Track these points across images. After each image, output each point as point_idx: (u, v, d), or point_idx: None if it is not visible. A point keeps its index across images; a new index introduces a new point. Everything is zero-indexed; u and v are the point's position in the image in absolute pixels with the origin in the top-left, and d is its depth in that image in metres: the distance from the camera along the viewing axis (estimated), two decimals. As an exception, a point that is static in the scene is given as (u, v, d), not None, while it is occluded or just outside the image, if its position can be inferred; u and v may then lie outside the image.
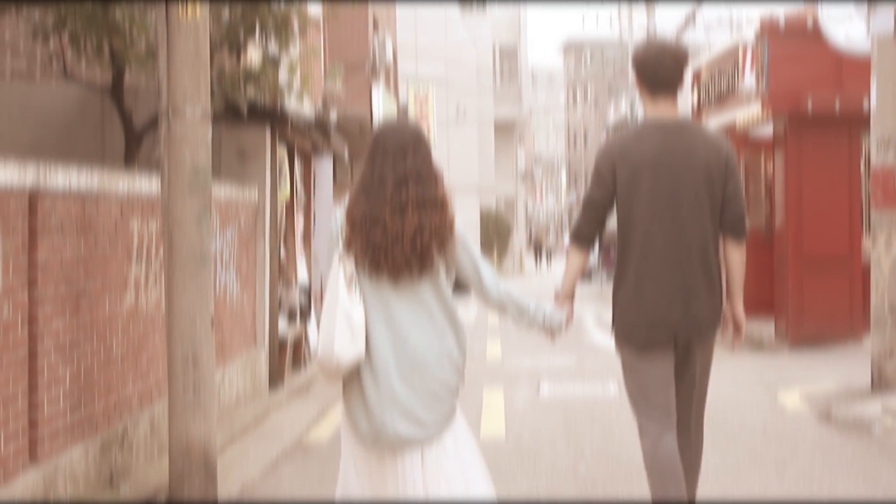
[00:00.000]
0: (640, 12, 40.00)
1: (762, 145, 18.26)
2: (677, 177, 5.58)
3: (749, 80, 16.77)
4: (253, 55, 11.68)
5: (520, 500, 7.47)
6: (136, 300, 8.06)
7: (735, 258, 5.76)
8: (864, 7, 11.88)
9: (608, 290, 5.95)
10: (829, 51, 13.79)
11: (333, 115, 14.96)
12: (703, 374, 5.79)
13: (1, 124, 11.19)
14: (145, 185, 8.22)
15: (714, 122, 18.01)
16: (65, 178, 6.79)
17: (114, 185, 7.64)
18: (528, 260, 64.73)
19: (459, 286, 5.02)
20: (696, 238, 5.59)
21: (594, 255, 37.97)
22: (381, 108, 26.39)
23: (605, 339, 17.22)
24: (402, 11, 37.92)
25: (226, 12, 10.77)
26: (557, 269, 56.08)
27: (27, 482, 6.21)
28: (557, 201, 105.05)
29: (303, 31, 12.08)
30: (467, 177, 47.79)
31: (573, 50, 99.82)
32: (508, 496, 7.43)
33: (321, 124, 14.48)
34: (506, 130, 55.26)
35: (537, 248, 70.42)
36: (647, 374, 5.64)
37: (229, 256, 10.77)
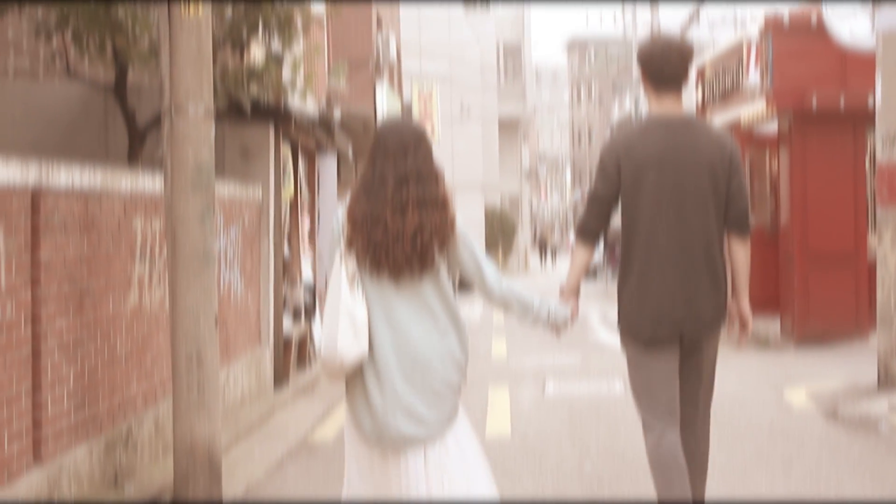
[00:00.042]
0: (644, 10, 39.94)
1: (767, 142, 18.21)
2: (681, 173, 5.58)
3: (753, 77, 16.73)
4: (256, 53, 11.65)
5: (525, 500, 7.44)
6: (139, 299, 8.04)
7: (740, 255, 5.77)
8: (869, 3, 11.85)
9: (613, 288, 5.95)
10: (833, 47, 13.78)
11: (337, 114, 14.93)
12: (708, 371, 5.79)
13: (4, 123, 11.17)
14: (148, 183, 8.20)
15: (718, 119, 17.96)
16: (67, 176, 6.76)
17: (117, 184, 7.62)
18: (533, 258, 64.71)
19: (464, 284, 5.00)
20: (701, 234, 5.59)
21: (599, 253, 37.96)
22: (385, 106, 26.36)
23: (610, 338, 17.19)
24: (405, 9, 37.88)
25: (229, 10, 10.75)
26: (562, 267, 56.02)
27: (31, 482, 6.19)
28: (562, 199, 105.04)
29: (306, 28, 12.05)
30: (472, 175, 47.79)
31: (577, 48, 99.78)
32: (514, 495, 7.41)
33: (325, 122, 14.46)
34: (510, 128, 55.22)
35: (542, 246, 70.40)
36: (651, 371, 5.64)
37: (233, 255, 10.74)
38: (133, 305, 7.91)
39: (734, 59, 17.93)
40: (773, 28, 16.23)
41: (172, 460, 7.12)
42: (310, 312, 13.98)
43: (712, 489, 6.12)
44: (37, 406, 6.34)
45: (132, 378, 7.86)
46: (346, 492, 4.90)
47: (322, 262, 15.14)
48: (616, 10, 44.27)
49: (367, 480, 4.81)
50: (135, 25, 9.92)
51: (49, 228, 6.51)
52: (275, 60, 11.51)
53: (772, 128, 17.33)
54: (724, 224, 5.70)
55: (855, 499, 7.28)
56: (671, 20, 35.90)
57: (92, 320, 7.14)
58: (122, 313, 7.70)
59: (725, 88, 18.53)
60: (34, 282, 6.33)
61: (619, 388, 11.86)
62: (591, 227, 5.73)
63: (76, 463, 6.81)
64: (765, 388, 11.93)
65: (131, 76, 10.87)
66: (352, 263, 4.77)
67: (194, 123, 7.02)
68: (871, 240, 16.26)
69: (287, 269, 13.50)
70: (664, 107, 5.74)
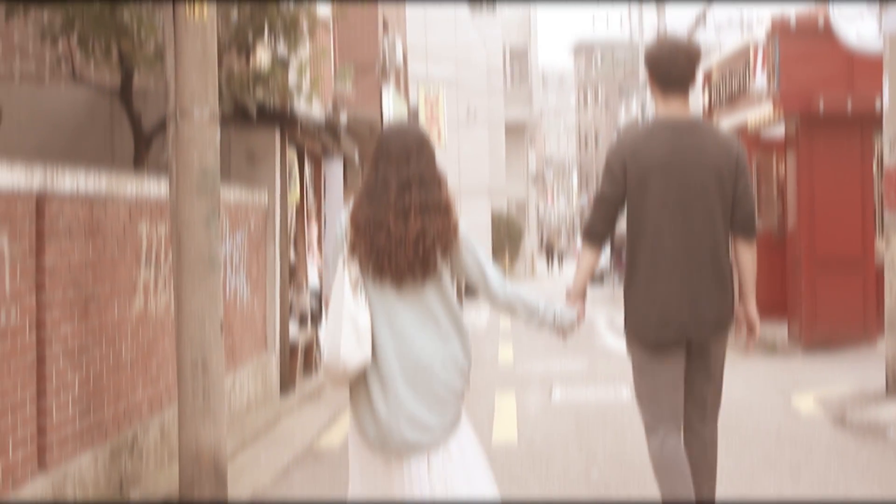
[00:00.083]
0: (650, 13, 39.91)
1: (774, 146, 18.19)
2: (687, 175, 5.58)
3: (760, 80, 16.70)
4: (262, 57, 11.63)
5: (531, 502, 7.41)
6: (145, 304, 8.01)
7: (746, 258, 5.77)
8: (876, 6, 11.80)
9: (620, 293, 5.93)
10: (840, 50, 13.73)
11: (343, 118, 14.90)
12: (716, 374, 5.78)
13: (10, 127, 11.15)
14: (154, 188, 8.17)
15: (725, 122, 17.93)
16: (72, 181, 6.74)
17: (122, 188, 7.59)
18: (540, 263, 64.66)
19: (470, 290, 5.00)
20: (707, 237, 5.59)
21: (605, 258, 37.95)
22: (392, 109, 26.36)
23: (617, 343, 17.14)
24: (411, 13, 37.90)
25: (234, 13, 10.73)
26: (569, 271, 56.01)
27: (36, 489, 6.15)
28: (569, 203, 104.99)
29: (312, 32, 12.03)
30: (478, 179, 47.77)
31: (584, 51, 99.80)
32: (521, 501, 7.38)
33: (331, 126, 14.43)
34: (516, 132, 55.20)
35: (549, 250, 70.37)
36: (657, 376, 5.65)
37: (239, 260, 10.72)
38: (138, 311, 7.88)
39: (741, 62, 17.90)
40: (779, 31, 16.20)
41: (178, 467, 7.09)
42: (316, 318, 13.95)
43: (720, 494, 6.09)
44: (41, 412, 6.31)
45: (137, 384, 7.83)
46: (350, 496, 4.91)
47: (328, 268, 15.11)
48: (622, 13, 44.13)
49: (371, 485, 4.81)
50: (140, 29, 9.90)
51: (54, 233, 6.48)
52: (280, 64, 11.49)
53: (779, 131, 17.30)
54: (731, 227, 5.69)
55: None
56: (678, 23, 35.84)
57: (97, 326, 7.11)
58: (128, 319, 7.68)
59: (732, 92, 18.50)
60: (39, 287, 6.31)
61: (627, 394, 11.82)
62: (597, 230, 5.73)
63: (81, 470, 6.78)
64: (772, 394, 11.88)
65: (137, 80, 10.85)
66: (355, 269, 4.78)
67: (199, 127, 7.00)
68: (879, 244, 16.22)
69: (293, 275, 13.46)
70: (671, 109, 5.73)
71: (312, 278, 14.60)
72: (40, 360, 6.30)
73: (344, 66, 21.05)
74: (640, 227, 5.63)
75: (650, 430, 5.67)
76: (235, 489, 7.66)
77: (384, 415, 4.71)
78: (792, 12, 16.72)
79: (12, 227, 5.98)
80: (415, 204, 4.75)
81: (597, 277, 39.23)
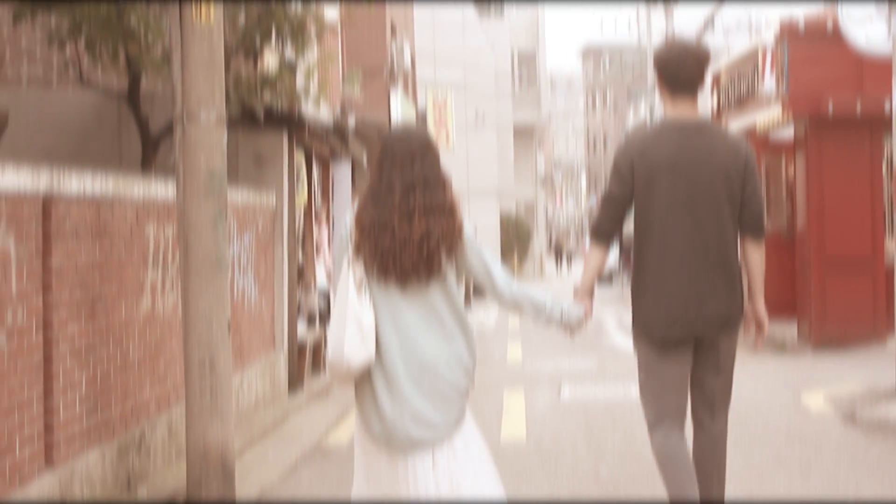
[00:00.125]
0: (658, 16, 39.89)
1: (783, 148, 18.17)
2: (695, 176, 5.60)
3: (769, 82, 16.69)
4: (269, 60, 11.65)
5: (540, 501, 7.42)
6: (152, 305, 8.03)
7: (755, 258, 5.79)
8: (885, 8, 11.79)
9: (628, 292, 5.95)
10: (849, 52, 13.70)
11: (351, 121, 14.92)
12: (726, 371, 5.79)
13: (18, 131, 11.18)
14: (161, 189, 8.20)
15: (734, 125, 17.91)
16: (79, 183, 6.76)
17: (129, 190, 7.61)
18: (549, 264, 64.70)
19: (478, 290, 5.02)
20: (714, 237, 5.61)
21: (614, 258, 37.96)
22: (400, 113, 26.38)
23: (626, 342, 17.13)
24: (420, 16, 37.94)
25: (241, 17, 10.75)
26: (578, 272, 56.00)
27: (43, 486, 6.18)
28: (577, 205, 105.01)
29: (319, 36, 12.05)
30: (487, 181, 47.81)
31: (592, 54, 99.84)
32: (529, 499, 7.38)
33: (339, 130, 14.46)
34: (525, 135, 55.22)
35: (557, 252, 70.41)
36: (663, 374, 5.68)
37: (247, 261, 10.74)
38: (146, 311, 7.90)
39: (749, 64, 17.88)
40: (788, 34, 16.18)
41: (185, 464, 7.10)
42: (324, 318, 13.97)
43: (730, 492, 6.09)
44: (48, 411, 6.33)
45: (145, 383, 7.85)
46: (355, 492, 4.93)
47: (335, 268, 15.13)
48: (631, 16, 44.11)
49: (376, 482, 4.83)
50: (147, 33, 9.93)
51: (60, 235, 6.50)
52: (288, 68, 11.50)
53: (787, 133, 17.28)
54: (740, 227, 5.70)
55: (873, 502, 7.22)
56: (686, 26, 35.83)
57: (104, 326, 7.13)
58: (135, 319, 7.70)
59: (741, 94, 18.48)
60: (46, 288, 6.33)
61: (635, 392, 11.66)
62: (605, 228, 5.74)
63: (88, 467, 6.80)
64: (782, 392, 11.87)
65: (144, 84, 10.88)
66: (359, 269, 4.81)
67: (206, 130, 7.01)
68: (889, 244, 16.21)
69: (301, 275, 13.49)
70: (679, 111, 5.75)
71: (321, 279, 14.63)
72: (47, 360, 6.33)
73: (352, 69, 21.07)
74: (648, 227, 5.65)
75: (653, 426, 5.71)
76: (243, 487, 7.67)
77: (389, 412, 4.73)
78: (800, 15, 16.71)
79: (19, 229, 6.01)
80: (419, 205, 4.78)
81: (605, 277, 39.27)
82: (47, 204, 6.36)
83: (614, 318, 22.86)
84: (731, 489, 6.34)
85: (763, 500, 7.26)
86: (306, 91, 12.00)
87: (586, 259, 5.88)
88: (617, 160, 5.76)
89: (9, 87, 12.20)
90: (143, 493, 7.45)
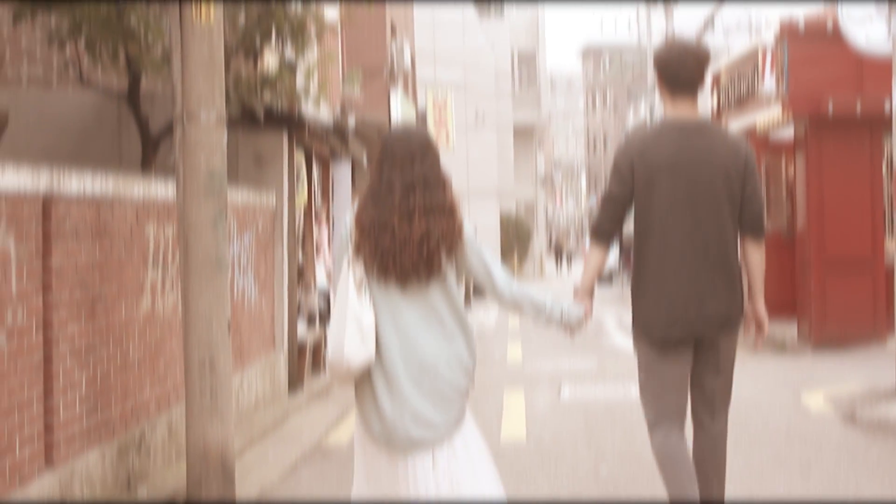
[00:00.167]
0: (658, 16, 39.89)
1: (783, 148, 18.17)
2: (695, 176, 5.60)
3: (769, 82, 16.69)
4: (269, 60, 11.65)
5: (539, 501, 7.41)
6: (152, 305, 8.03)
7: (754, 257, 5.80)
8: (885, 8, 11.79)
9: (629, 292, 5.95)
10: (849, 52, 13.70)
11: (351, 121, 14.93)
12: (726, 370, 5.79)
13: (18, 131, 11.18)
14: (161, 189, 8.20)
15: (734, 125, 17.91)
16: (79, 183, 6.76)
17: (129, 190, 7.61)
18: (549, 264, 64.71)
19: (478, 290, 5.03)
20: (714, 236, 5.61)
21: (615, 258, 37.97)
22: (400, 113, 26.38)
23: (626, 342, 17.13)
24: (420, 17, 37.93)
25: (241, 17, 10.75)
26: (578, 272, 56.01)
27: (43, 486, 6.18)
28: (577, 205, 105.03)
29: (319, 36, 12.05)
30: (487, 181, 47.82)
31: (592, 55, 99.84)
32: (529, 498, 7.38)
33: (339, 130, 14.46)
34: (525, 135, 55.22)
35: (558, 251, 70.43)
36: (663, 374, 5.69)
37: (247, 261, 10.74)
38: (146, 311, 7.90)
39: (749, 64, 17.88)
40: (788, 34, 16.18)
41: (185, 464, 7.10)
42: (324, 318, 13.97)
43: (729, 492, 6.09)
44: (48, 411, 6.33)
45: (145, 383, 7.85)
46: (355, 492, 4.93)
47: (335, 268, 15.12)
48: (631, 16, 44.10)
49: (376, 481, 4.83)
50: (147, 33, 9.92)
51: (60, 235, 6.50)
52: (288, 68, 11.50)
53: (787, 133, 17.28)
54: (740, 227, 5.71)
55: (873, 502, 7.22)
56: (686, 26, 35.82)
57: (104, 326, 7.13)
58: (135, 319, 7.70)
59: (741, 94, 18.48)
60: (45, 288, 6.33)
61: (636, 392, 11.64)
62: (604, 228, 5.74)
63: (88, 467, 6.80)
64: (782, 392, 11.87)
65: (144, 84, 10.88)
66: (359, 269, 4.81)
67: (206, 130, 7.01)
68: (889, 244, 16.21)
69: (302, 275, 13.48)
70: (679, 111, 5.75)
71: (321, 279, 14.63)
72: (47, 360, 6.33)
73: (352, 69, 21.07)
74: (648, 227, 5.65)
75: (653, 426, 5.72)
76: (243, 487, 7.67)
77: (389, 412, 4.74)
78: (800, 15, 16.71)
79: (19, 229, 6.01)
80: (419, 206, 4.78)
81: (606, 277, 39.27)
82: (47, 204, 6.36)
83: (614, 318, 22.86)
84: (731, 489, 6.34)
85: (763, 501, 7.26)
86: (306, 91, 12.00)
87: (586, 259, 5.88)
88: (617, 160, 5.76)
89: (9, 87, 12.21)
90: (143, 493, 7.45)
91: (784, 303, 16.16)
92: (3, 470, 5.75)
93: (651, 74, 33.52)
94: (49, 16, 10.22)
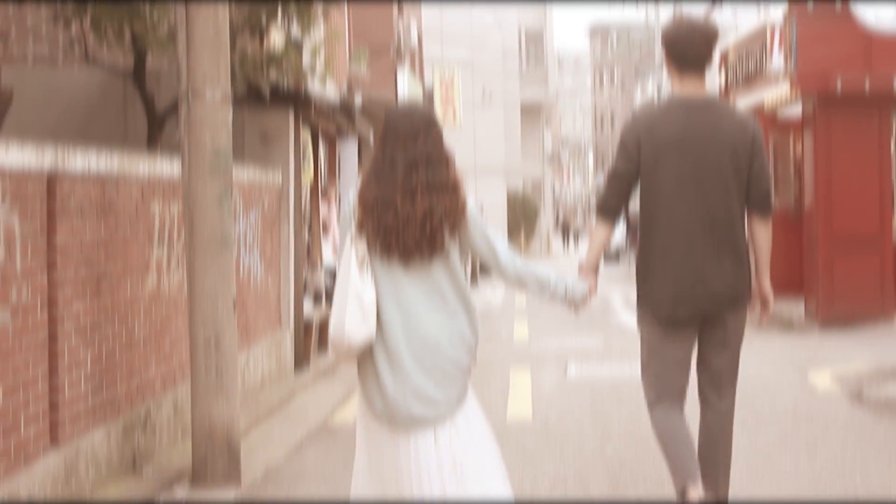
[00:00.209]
0: (666, -6, 39.74)
1: (791, 126, 18.12)
2: (702, 153, 5.57)
3: (777, 60, 16.63)
4: (275, 38, 11.62)
5: (540, 502, 7.38)
6: (158, 283, 8.03)
7: (761, 235, 5.77)
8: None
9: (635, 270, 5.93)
10: (858, 30, 13.69)
11: (358, 99, 14.90)
12: (732, 348, 5.76)
13: (24, 109, 11.17)
14: (167, 167, 8.18)
15: (742, 102, 17.86)
16: (84, 160, 6.74)
17: (134, 168, 7.59)
18: (556, 242, 64.71)
19: (484, 269, 5.01)
20: (721, 214, 5.58)
21: (621, 235, 37.93)
22: (407, 91, 26.33)
23: (632, 320, 17.08)
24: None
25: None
26: (584, 250, 55.98)
27: (48, 465, 6.18)
28: (584, 183, 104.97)
29: (326, 13, 12.01)
30: (494, 159, 47.78)
31: (599, 33, 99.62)
32: (535, 477, 7.38)
33: (346, 107, 14.43)
34: (532, 113, 55.14)
35: (565, 229, 70.44)
36: (666, 353, 5.68)
37: (253, 239, 10.73)
38: (151, 289, 7.90)
39: (758, 42, 17.81)
40: (796, 11, 16.12)
41: (191, 443, 7.11)
42: (331, 296, 13.96)
43: (735, 472, 6.07)
44: (53, 389, 6.33)
45: (150, 361, 7.85)
46: (356, 468, 4.93)
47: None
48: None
49: (378, 458, 4.83)
50: (153, 11, 9.89)
51: (65, 212, 6.49)
52: (294, 45, 11.47)
53: (796, 111, 17.23)
54: (747, 204, 5.68)
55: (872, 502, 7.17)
56: (694, 4, 35.67)
57: (109, 304, 7.13)
58: (140, 297, 7.69)
59: (749, 72, 18.43)
60: (50, 265, 6.32)
61: (641, 371, 11.79)
62: (610, 205, 5.72)
63: (94, 446, 6.81)
64: (789, 371, 11.86)
65: (150, 62, 10.85)
66: (362, 246, 4.79)
67: (212, 108, 7.00)
68: (897, 222, 16.17)
69: (308, 253, 13.48)
70: (686, 88, 5.72)
71: (327, 256, 14.62)
72: (52, 338, 6.33)
73: (359, 47, 21.02)
74: (654, 204, 5.62)
75: (653, 404, 5.72)
76: (248, 465, 7.68)
77: (391, 389, 4.73)
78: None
79: (24, 207, 6.00)
80: (422, 183, 4.76)
81: (612, 255, 39.25)
82: (52, 182, 6.35)
83: (621, 296, 22.85)
84: (737, 468, 6.33)
85: (763, 500, 7.17)
86: (312, 69, 11.97)
87: (591, 235, 5.86)
88: (623, 137, 5.73)
89: (14, 65, 12.18)
90: (148, 471, 7.45)
91: (791, 281, 16.14)
92: (9, 448, 5.75)
93: (659, 52, 33.41)
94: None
